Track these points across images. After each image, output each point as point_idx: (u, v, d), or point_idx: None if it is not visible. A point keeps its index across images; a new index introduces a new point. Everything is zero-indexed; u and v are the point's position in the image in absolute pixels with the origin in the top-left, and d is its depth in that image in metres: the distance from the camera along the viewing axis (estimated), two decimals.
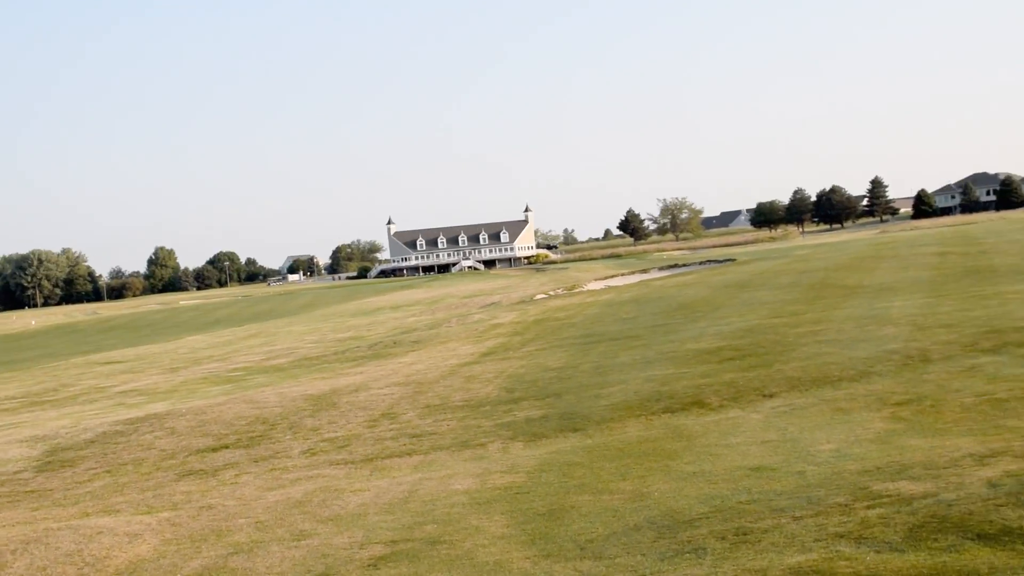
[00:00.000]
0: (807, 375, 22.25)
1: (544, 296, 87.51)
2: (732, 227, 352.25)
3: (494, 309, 73.94)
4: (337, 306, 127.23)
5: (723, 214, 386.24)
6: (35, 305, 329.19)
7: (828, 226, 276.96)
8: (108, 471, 22.08)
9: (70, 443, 26.77)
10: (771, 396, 20.56)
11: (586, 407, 21.91)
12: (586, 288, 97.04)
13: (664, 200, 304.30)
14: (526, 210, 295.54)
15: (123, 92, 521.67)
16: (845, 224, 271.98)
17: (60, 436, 28.45)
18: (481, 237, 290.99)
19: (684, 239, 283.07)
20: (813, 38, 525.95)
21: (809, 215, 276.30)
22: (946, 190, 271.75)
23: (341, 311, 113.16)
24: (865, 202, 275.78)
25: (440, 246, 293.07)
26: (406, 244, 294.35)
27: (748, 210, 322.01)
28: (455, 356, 39.26)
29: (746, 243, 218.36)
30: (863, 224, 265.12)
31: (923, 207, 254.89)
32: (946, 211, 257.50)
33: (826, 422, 17.26)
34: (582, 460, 16.53)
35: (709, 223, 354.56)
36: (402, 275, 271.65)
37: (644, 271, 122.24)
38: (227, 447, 23.10)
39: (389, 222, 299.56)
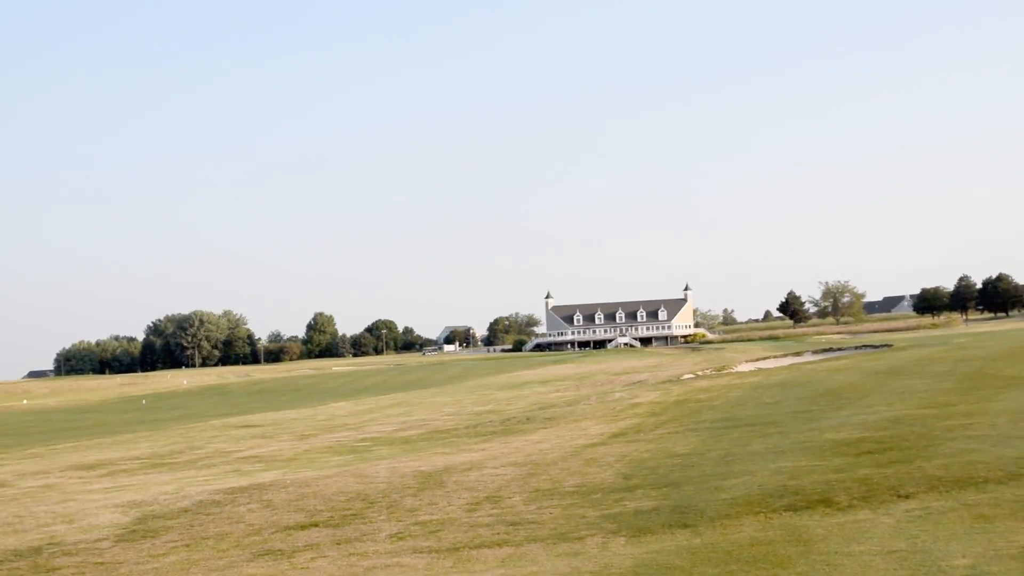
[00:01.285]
0: (949, 474, 20.05)
1: (691, 376, 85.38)
2: (894, 312, 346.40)
3: (637, 388, 72.10)
4: (486, 378, 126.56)
5: (886, 299, 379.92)
6: (194, 365, 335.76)
7: (993, 314, 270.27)
8: (187, 545, 20.82)
9: (164, 511, 25.70)
10: (907, 497, 18.42)
11: (703, 500, 20.01)
12: (735, 369, 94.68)
13: (826, 283, 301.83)
14: (685, 288, 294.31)
15: (293, 160, 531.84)
16: (1011, 313, 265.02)
17: (158, 502, 27.46)
18: (639, 314, 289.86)
19: (845, 323, 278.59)
20: (981, 126, 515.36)
21: (974, 303, 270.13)
22: None
23: (488, 383, 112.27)
24: None
25: (597, 322, 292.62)
26: (563, 319, 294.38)
27: (911, 296, 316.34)
28: (583, 436, 37.53)
29: (907, 329, 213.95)
30: None
31: None
32: None
33: (964, 531, 15.18)
34: (683, 563, 14.72)
35: (871, 308, 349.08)
36: (558, 349, 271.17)
37: (797, 354, 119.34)
38: (316, 525, 21.70)
39: (547, 296, 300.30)
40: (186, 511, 25.41)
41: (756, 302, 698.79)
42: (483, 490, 24.40)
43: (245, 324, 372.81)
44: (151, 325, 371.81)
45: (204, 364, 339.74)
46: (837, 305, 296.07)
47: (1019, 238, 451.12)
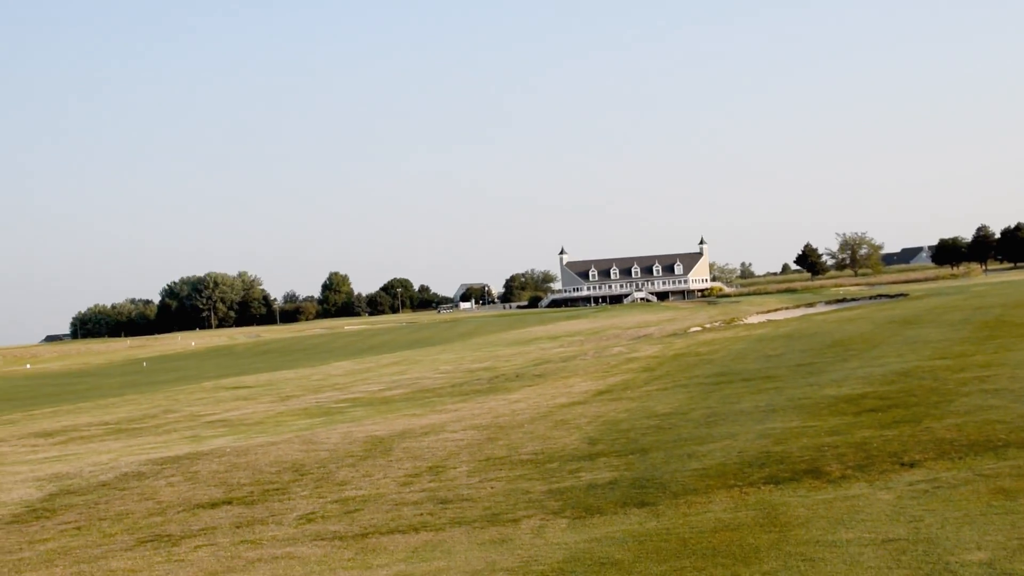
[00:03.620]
0: (963, 436, 16.89)
1: (698, 329, 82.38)
2: (913, 264, 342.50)
3: (641, 342, 69.07)
4: (497, 335, 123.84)
5: (904, 250, 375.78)
6: (210, 326, 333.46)
7: (1013, 264, 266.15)
8: (78, 528, 17.94)
9: (81, 485, 22.82)
10: (911, 465, 15.24)
11: (670, 471, 16.91)
12: (745, 321, 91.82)
13: (843, 235, 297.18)
14: (701, 242, 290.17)
15: (299, 119, 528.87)
16: None
17: (81, 475, 24.56)
18: (655, 269, 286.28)
19: (863, 275, 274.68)
20: (997, 76, 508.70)
21: (993, 253, 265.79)
22: None
23: (497, 340, 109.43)
24: None
25: (612, 277, 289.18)
26: (578, 274, 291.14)
27: (929, 247, 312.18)
28: (566, 394, 34.53)
29: (926, 280, 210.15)
30: None
31: None
32: None
33: (980, 511, 12.06)
34: (625, 556, 11.67)
35: (890, 259, 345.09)
36: (574, 305, 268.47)
37: (810, 305, 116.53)
38: (230, 502, 18.75)
39: (562, 252, 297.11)
40: (103, 485, 22.54)
41: (774, 255, 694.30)
42: (430, 459, 21.43)
43: (260, 285, 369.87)
44: (167, 288, 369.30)
45: (221, 325, 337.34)
46: (855, 257, 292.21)
47: None
